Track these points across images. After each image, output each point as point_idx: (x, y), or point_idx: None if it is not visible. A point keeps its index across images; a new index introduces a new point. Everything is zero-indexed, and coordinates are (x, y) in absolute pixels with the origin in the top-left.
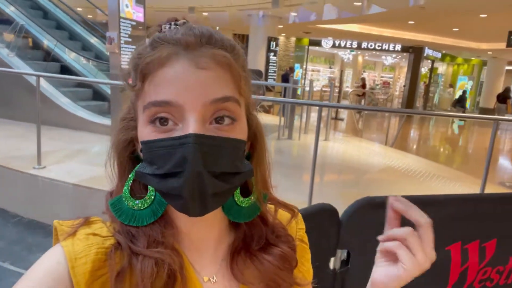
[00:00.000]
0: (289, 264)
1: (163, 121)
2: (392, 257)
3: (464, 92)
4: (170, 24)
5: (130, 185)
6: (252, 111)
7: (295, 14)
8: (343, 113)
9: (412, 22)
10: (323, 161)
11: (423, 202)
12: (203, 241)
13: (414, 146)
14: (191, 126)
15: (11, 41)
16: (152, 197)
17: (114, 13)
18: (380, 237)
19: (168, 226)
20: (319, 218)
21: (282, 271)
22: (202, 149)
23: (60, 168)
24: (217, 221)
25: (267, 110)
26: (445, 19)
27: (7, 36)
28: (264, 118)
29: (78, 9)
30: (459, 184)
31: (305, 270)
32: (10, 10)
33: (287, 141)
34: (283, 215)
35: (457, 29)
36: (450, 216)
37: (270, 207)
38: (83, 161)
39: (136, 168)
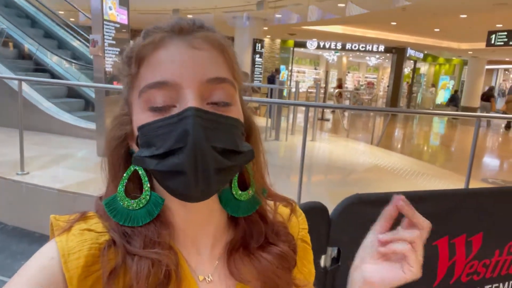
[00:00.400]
0: (288, 264)
1: (160, 103)
2: (391, 258)
3: (456, 91)
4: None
5: (124, 184)
6: (245, 105)
7: (280, 15)
8: (329, 114)
9: (395, 23)
10: (311, 161)
11: (410, 198)
12: (200, 237)
13: (399, 145)
14: (189, 101)
15: None
16: (148, 197)
17: (97, 15)
18: (382, 237)
19: (163, 225)
20: (309, 216)
21: (280, 270)
22: (202, 122)
23: (44, 174)
24: (214, 216)
25: (253, 112)
26: (426, 20)
27: None
28: None
29: (60, 12)
30: (444, 181)
31: (306, 272)
32: None
33: (274, 142)
34: (284, 214)
35: (438, 30)
36: (437, 211)
37: (270, 203)
38: (68, 166)
39: (131, 166)
